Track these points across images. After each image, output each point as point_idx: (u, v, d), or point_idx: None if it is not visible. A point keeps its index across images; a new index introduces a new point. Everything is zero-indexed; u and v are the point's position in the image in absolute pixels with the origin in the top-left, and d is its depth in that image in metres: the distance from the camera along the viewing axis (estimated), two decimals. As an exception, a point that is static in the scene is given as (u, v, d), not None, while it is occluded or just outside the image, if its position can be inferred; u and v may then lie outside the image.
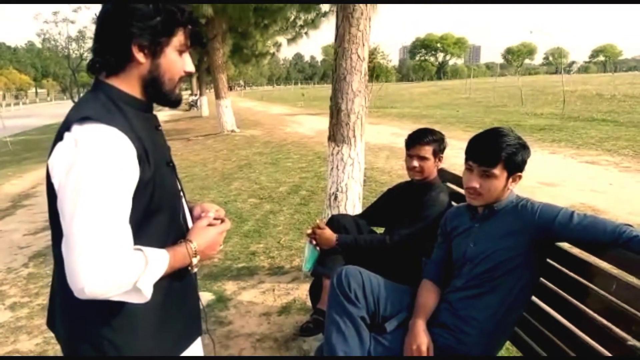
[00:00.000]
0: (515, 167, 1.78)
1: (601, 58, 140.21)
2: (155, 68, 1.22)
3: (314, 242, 2.69)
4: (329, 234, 2.63)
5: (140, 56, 1.19)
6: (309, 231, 2.72)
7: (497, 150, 1.76)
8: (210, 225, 1.36)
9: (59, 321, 1.28)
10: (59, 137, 1.12)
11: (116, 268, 1.06)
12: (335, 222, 2.77)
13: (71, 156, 1.07)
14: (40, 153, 13.94)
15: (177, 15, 1.21)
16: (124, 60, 1.19)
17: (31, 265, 4.63)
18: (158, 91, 1.25)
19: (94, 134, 1.08)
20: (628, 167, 7.37)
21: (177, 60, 1.25)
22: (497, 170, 1.77)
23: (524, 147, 1.79)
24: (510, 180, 1.80)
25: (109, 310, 1.17)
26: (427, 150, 2.52)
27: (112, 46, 1.18)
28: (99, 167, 1.06)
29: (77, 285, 1.04)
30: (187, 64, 1.28)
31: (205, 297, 3.56)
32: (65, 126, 1.11)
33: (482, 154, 1.80)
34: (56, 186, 1.09)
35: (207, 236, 1.32)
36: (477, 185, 1.81)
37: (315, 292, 2.81)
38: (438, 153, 2.55)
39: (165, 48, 1.22)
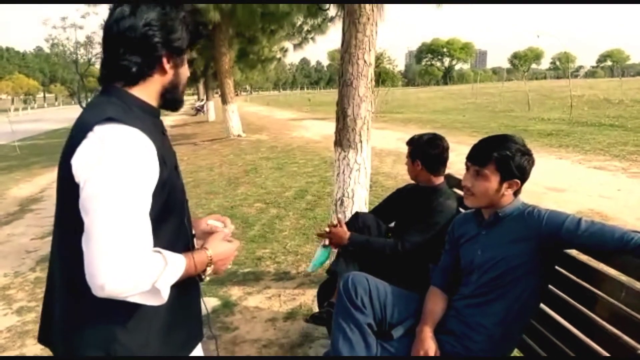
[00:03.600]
0: (509, 172, 1.76)
1: (608, 63, 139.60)
2: (177, 77, 1.29)
3: (327, 241, 2.65)
4: (342, 231, 2.59)
5: (168, 67, 1.25)
6: (326, 228, 2.67)
7: (489, 150, 1.77)
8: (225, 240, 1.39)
9: (60, 328, 1.25)
10: (80, 137, 1.12)
11: (137, 267, 1.07)
12: (360, 221, 2.71)
13: (98, 154, 1.09)
14: (48, 157, 14.02)
15: (201, 30, 1.30)
16: (151, 69, 1.24)
17: (38, 270, 4.65)
18: (174, 97, 1.32)
19: (119, 133, 1.11)
20: (636, 172, 7.31)
21: (187, 69, 1.34)
22: (487, 171, 1.76)
23: (523, 154, 1.77)
24: (505, 185, 1.78)
25: (120, 312, 1.17)
26: None
27: (142, 56, 1.21)
28: (125, 165, 1.08)
29: (97, 282, 1.04)
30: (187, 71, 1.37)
31: (211, 302, 3.56)
32: (86, 127, 1.12)
33: (475, 153, 1.82)
34: (81, 184, 1.09)
35: (222, 248, 1.34)
36: (470, 185, 1.82)
37: (326, 291, 2.75)
38: None
39: (185, 58, 1.31)
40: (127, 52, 1.20)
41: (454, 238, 2.03)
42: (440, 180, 2.58)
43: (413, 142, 2.60)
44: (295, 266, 4.24)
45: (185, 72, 1.32)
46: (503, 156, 1.74)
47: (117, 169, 1.07)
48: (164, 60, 1.23)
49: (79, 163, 1.11)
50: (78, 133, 1.14)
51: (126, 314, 1.18)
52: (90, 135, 1.11)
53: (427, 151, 2.54)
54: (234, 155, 11.66)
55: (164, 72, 1.25)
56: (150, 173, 1.14)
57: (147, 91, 1.26)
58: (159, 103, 1.30)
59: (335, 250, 2.74)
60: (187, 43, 1.28)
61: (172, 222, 1.26)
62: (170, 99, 1.31)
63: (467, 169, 1.85)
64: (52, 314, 1.29)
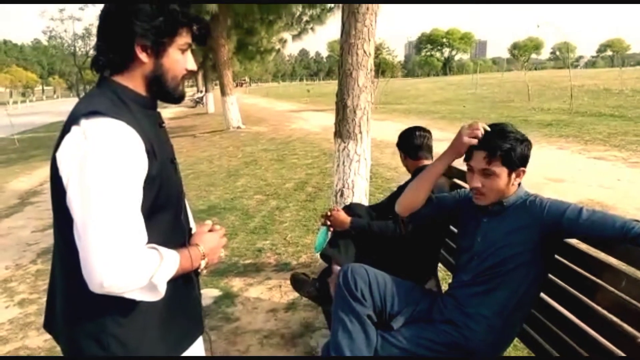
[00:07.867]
0: (514, 162, 1.76)
1: (609, 52, 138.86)
2: (158, 67, 1.23)
3: (328, 223, 2.70)
4: (343, 216, 2.65)
5: (143, 56, 1.20)
6: (327, 212, 2.73)
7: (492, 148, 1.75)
8: (210, 231, 1.39)
9: (61, 319, 1.26)
10: (66, 130, 1.11)
11: (133, 262, 1.07)
12: (352, 210, 2.78)
13: (81, 149, 1.07)
14: (48, 150, 13.98)
15: (179, 16, 1.21)
16: (128, 59, 1.21)
17: (39, 262, 4.67)
18: (162, 89, 1.26)
19: (103, 127, 1.09)
20: (636, 162, 7.29)
21: (180, 59, 1.26)
22: (495, 168, 1.76)
23: (521, 142, 1.76)
24: (514, 175, 1.78)
25: (115, 306, 1.16)
26: None
27: (115, 45, 1.19)
28: (110, 159, 1.06)
29: (95, 280, 1.04)
30: (189, 62, 1.29)
31: (212, 293, 3.57)
32: (73, 120, 1.12)
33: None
34: (65, 180, 1.08)
35: (210, 241, 1.35)
36: (480, 185, 1.80)
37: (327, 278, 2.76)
38: None
39: (168, 48, 1.23)
40: (105, 40, 1.20)
41: (455, 199, 2.05)
42: (426, 163, 2.59)
43: (399, 136, 2.79)
44: (295, 257, 4.24)
45: (172, 63, 1.24)
46: (505, 150, 1.74)
47: (103, 164, 1.05)
48: (137, 49, 1.18)
49: (62, 158, 1.10)
50: (66, 125, 1.13)
51: (121, 308, 1.17)
52: (74, 128, 1.10)
53: (405, 141, 2.72)
54: (234, 147, 11.64)
55: (141, 61, 1.21)
56: (137, 166, 1.12)
57: (134, 81, 1.23)
58: (150, 94, 1.26)
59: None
60: (167, 31, 1.20)
61: (166, 216, 1.25)
62: (158, 91, 1.26)
63: (471, 169, 1.83)
64: (55, 303, 1.29)
